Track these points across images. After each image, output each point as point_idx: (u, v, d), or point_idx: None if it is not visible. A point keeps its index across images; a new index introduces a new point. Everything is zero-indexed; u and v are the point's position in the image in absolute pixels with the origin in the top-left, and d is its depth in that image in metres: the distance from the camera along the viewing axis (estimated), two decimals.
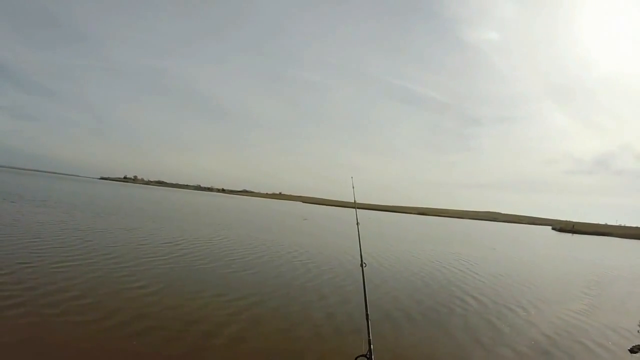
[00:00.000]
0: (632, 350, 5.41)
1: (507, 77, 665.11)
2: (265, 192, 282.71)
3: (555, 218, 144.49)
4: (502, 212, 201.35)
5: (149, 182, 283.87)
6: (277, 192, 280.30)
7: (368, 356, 2.08)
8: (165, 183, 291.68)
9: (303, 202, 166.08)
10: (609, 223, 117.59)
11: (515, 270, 13.72)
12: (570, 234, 64.04)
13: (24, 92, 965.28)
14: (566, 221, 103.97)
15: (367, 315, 2.42)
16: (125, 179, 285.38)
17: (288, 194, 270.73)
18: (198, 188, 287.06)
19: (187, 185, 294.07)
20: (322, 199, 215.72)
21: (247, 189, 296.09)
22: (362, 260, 3.12)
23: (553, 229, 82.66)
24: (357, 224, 3.59)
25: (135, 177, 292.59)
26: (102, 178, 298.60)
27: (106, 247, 9.33)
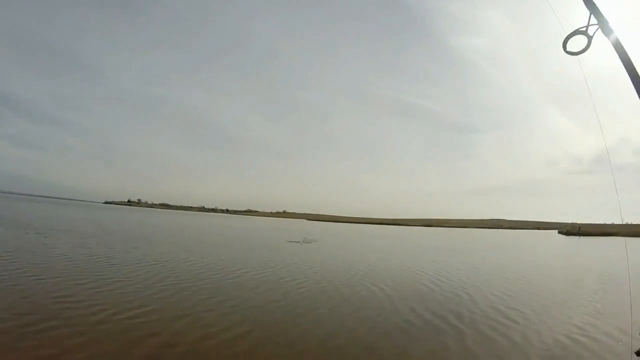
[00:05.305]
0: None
1: (501, 83, 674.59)
2: (269, 211, 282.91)
3: (560, 221, 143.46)
4: (507, 219, 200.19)
5: (152, 205, 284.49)
6: (282, 211, 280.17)
7: (585, 29, 2.15)
8: (170, 205, 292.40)
9: (308, 219, 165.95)
10: (615, 222, 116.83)
11: (555, 276, 15.59)
12: (577, 237, 63.88)
13: (29, 122, 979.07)
14: (572, 224, 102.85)
15: None
16: (130, 203, 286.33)
17: (292, 211, 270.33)
18: (202, 209, 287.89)
19: (190, 207, 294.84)
20: (327, 215, 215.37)
21: (251, 209, 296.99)
22: None
23: (559, 232, 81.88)
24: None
25: (139, 200, 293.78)
26: (106, 202, 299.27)
27: (161, 282, 9.29)
